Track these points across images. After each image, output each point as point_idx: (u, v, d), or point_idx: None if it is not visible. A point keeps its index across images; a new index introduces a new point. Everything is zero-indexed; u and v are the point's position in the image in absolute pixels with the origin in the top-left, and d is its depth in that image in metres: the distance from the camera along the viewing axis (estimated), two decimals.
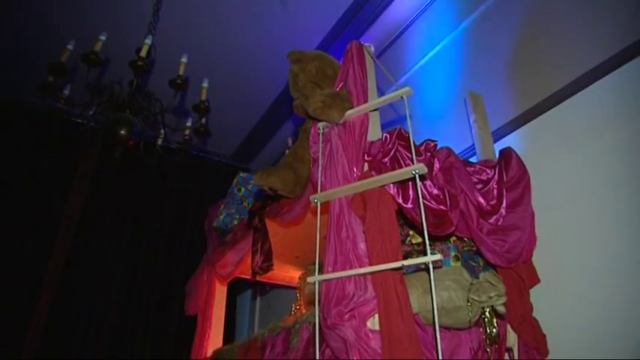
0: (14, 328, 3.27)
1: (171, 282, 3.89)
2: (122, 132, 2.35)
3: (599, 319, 1.81)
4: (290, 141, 2.89)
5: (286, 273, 3.00)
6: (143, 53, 2.41)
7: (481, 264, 1.87)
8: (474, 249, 1.84)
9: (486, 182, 1.98)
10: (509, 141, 2.33)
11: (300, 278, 2.76)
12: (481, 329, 1.63)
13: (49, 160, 3.78)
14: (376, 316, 1.38)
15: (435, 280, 1.35)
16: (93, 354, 3.51)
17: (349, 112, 1.74)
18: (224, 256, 2.74)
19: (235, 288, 4.07)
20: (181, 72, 2.56)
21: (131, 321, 3.70)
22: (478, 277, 1.66)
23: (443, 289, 1.51)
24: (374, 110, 1.76)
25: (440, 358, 1.25)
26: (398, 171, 1.51)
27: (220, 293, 2.98)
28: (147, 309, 3.78)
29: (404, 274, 1.50)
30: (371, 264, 1.41)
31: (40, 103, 2.46)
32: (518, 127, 2.36)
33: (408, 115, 1.63)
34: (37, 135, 3.78)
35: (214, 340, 2.83)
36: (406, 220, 1.74)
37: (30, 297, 3.40)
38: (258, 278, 3.13)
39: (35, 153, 3.74)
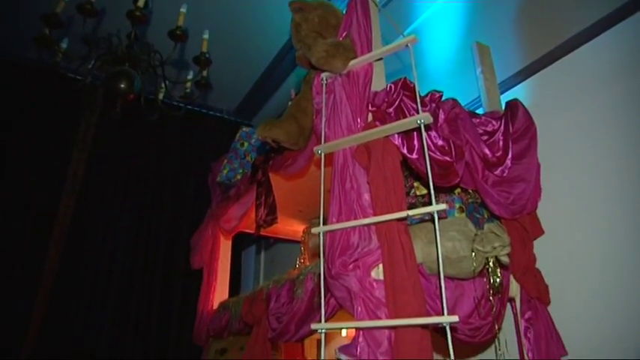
0: (24, 287, 3.32)
1: (177, 237, 3.91)
2: (122, 85, 2.31)
3: (603, 269, 1.82)
4: (293, 93, 2.84)
5: (290, 227, 3.02)
6: (141, 3, 2.34)
7: (485, 216, 1.87)
8: (479, 201, 1.83)
9: (492, 134, 1.96)
10: (516, 93, 2.29)
11: (304, 232, 2.77)
12: (485, 279, 1.63)
13: (50, 118, 3.74)
14: (380, 266, 1.38)
15: (439, 231, 1.34)
16: (101, 307, 3.57)
17: (353, 61, 1.69)
18: (228, 211, 2.75)
19: (240, 243, 4.11)
20: (181, 23, 2.49)
21: (138, 275, 3.74)
22: (483, 229, 1.66)
23: (447, 240, 1.50)
24: (378, 60, 1.71)
25: (444, 307, 1.25)
26: (402, 120, 1.49)
27: (225, 247, 3.01)
28: (153, 264, 3.83)
29: (408, 225, 1.50)
30: (375, 214, 1.41)
31: (37, 60, 2.41)
32: (525, 79, 2.31)
33: (413, 64, 1.58)
34: (36, 93, 3.73)
35: (220, 292, 2.87)
36: (411, 172, 1.73)
37: (37, 255, 3.43)
38: (262, 233, 3.16)
39: (35, 111, 3.70)
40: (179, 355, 3.63)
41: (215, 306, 2.77)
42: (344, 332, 2.66)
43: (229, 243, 3.05)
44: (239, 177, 2.75)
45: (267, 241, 4.11)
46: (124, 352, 3.50)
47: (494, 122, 1.98)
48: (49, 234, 3.51)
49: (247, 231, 3.04)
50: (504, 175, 1.86)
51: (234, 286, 3.11)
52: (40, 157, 3.63)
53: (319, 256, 1.48)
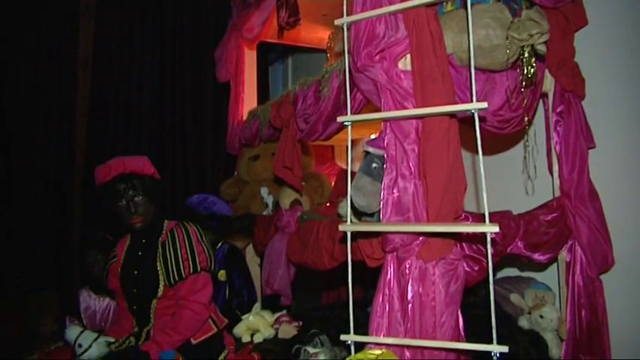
0: (62, 114, 3.41)
1: (202, 51, 3.81)
2: None
3: None
4: None
5: (315, 34, 2.90)
6: None
7: (524, 7, 1.71)
8: None
9: None
10: None
11: (329, 38, 2.66)
12: (518, 71, 1.56)
13: None
14: (408, 56, 1.32)
15: (472, 18, 1.24)
16: (138, 129, 3.65)
17: None
18: (249, 19, 2.63)
19: (265, 56, 4.02)
20: None
21: (168, 92, 3.74)
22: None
23: (480, 27, 1.40)
24: None
25: (473, 94, 1.22)
26: None
27: (250, 58, 2.96)
28: (181, 80, 3.80)
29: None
30: (402, 0, 1.30)
31: None
32: None
33: None
34: None
35: (249, 103, 2.90)
36: None
37: (68, 80, 3.45)
38: (288, 42, 3.07)
39: None
40: (216, 165, 3.81)
41: (244, 116, 2.82)
42: (373, 136, 2.71)
43: (254, 54, 2.99)
44: None
45: (293, 51, 3.99)
46: (166, 167, 3.67)
47: None
48: (75, 57, 3.48)
49: (271, 40, 2.95)
50: None
51: (263, 99, 3.11)
52: None
53: (344, 53, 1.42)
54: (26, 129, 3.30)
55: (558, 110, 1.78)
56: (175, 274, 1.68)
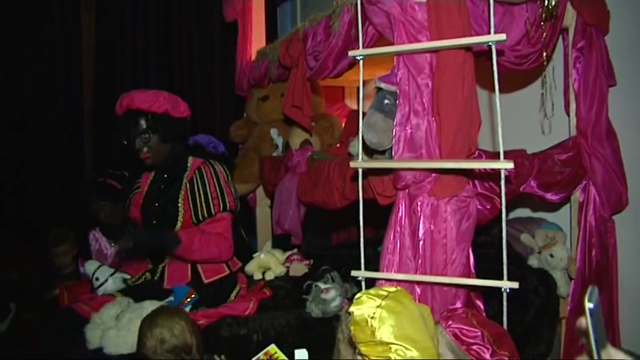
0: (68, 54, 3.38)
1: None
2: None
3: None
4: None
5: None
6: None
7: None
8: None
9: None
10: None
11: None
12: (538, 3, 1.49)
13: None
14: None
15: None
16: (144, 68, 3.61)
17: None
18: None
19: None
20: None
21: (175, 32, 3.67)
22: None
23: None
24: None
25: (491, 26, 1.17)
26: None
27: None
28: (188, 20, 3.70)
29: None
30: None
31: None
32: None
33: None
34: None
35: (257, 43, 2.83)
36: None
37: (73, 24, 3.39)
38: None
39: None
40: (225, 107, 3.77)
41: (253, 56, 2.76)
42: None
43: None
44: None
45: None
46: None
47: None
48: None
49: None
50: None
51: (271, 39, 3.02)
52: None
53: None
54: (33, 73, 3.29)
55: (579, 46, 1.71)
56: (205, 210, 1.73)
